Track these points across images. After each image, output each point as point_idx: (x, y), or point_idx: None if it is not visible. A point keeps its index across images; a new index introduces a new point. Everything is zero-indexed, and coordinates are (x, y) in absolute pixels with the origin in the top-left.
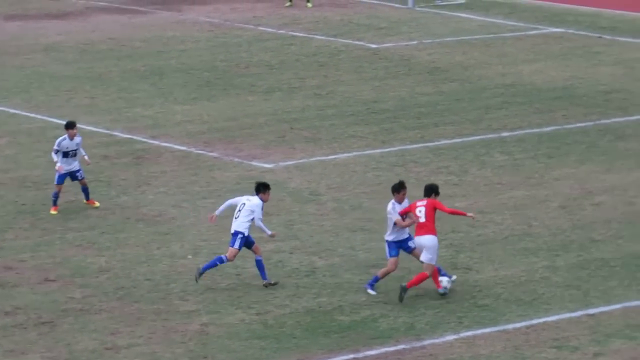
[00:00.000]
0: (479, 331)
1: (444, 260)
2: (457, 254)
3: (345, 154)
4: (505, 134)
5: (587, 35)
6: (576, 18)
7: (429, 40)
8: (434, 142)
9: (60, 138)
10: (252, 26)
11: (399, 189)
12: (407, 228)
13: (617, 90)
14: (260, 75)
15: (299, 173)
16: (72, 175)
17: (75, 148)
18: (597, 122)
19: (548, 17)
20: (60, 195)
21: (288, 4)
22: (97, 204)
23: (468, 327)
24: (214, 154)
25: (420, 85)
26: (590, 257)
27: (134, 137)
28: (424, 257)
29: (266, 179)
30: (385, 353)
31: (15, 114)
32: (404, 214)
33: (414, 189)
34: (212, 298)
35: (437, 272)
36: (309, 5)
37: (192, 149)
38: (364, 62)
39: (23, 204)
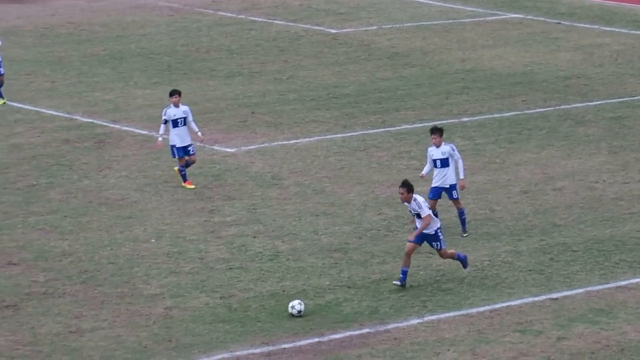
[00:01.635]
0: (443, 315)
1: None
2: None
3: (307, 139)
4: (465, 119)
5: (546, 21)
6: (535, 4)
7: (389, 26)
8: (395, 126)
9: (166, 107)
10: (211, 11)
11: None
12: None
13: (577, 75)
14: (221, 60)
15: (261, 157)
16: (185, 149)
17: (182, 116)
18: (557, 107)
19: (507, 2)
20: (22, 178)
21: None
22: (192, 185)
23: (432, 311)
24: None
25: (381, 71)
26: (553, 242)
27: (95, 121)
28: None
29: (228, 163)
30: (350, 337)
31: None
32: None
33: (376, 173)
34: (175, 282)
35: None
36: None
37: (154, 133)
38: (324, 47)
39: None
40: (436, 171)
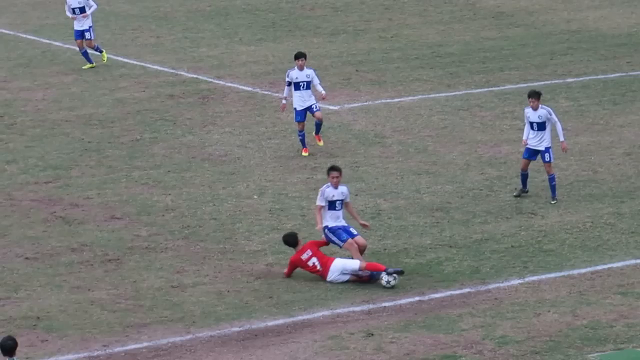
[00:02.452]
0: (544, 276)
1: (510, 205)
2: (522, 199)
3: (410, 97)
4: (570, 79)
5: None
6: None
7: None
8: (499, 86)
9: (290, 69)
10: None
11: None
12: None
13: None
14: (326, 17)
15: (364, 115)
16: (310, 109)
17: (305, 79)
18: None
19: None
20: (127, 133)
21: None
22: (321, 142)
23: (533, 272)
24: (280, 95)
25: (485, 30)
26: None
27: (200, 77)
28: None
29: (331, 120)
30: (451, 296)
31: None
32: None
33: (479, 133)
34: (277, 239)
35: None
36: None
37: (258, 90)
38: (429, 6)
39: (89, 142)
40: (532, 133)
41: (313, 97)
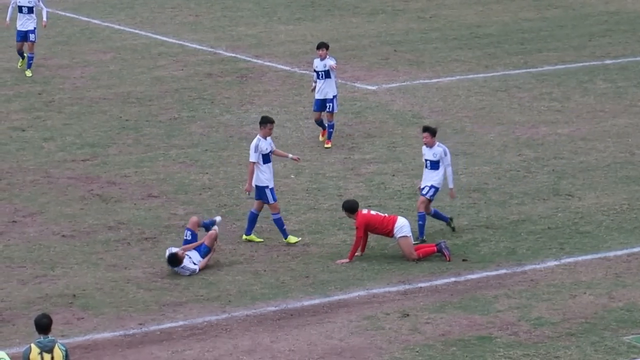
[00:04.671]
0: (580, 258)
1: (547, 186)
2: (559, 180)
3: (449, 78)
4: (608, 61)
5: None
6: None
7: None
8: (537, 67)
9: (316, 58)
10: None
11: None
12: None
13: None
14: None
15: (402, 95)
16: (325, 103)
17: (323, 69)
18: None
19: None
20: (165, 111)
21: None
22: (329, 145)
23: (569, 254)
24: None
25: (524, 11)
26: None
27: (238, 56)
28: None
29: (369, 100)
30: (487, 277)
31: (119, 30)
32: None
33: (517, 114)
34: (314, 218)
35: None
36: None
37: (296, 69)
38: None
39: (127, 120)
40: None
41: (333, 91)
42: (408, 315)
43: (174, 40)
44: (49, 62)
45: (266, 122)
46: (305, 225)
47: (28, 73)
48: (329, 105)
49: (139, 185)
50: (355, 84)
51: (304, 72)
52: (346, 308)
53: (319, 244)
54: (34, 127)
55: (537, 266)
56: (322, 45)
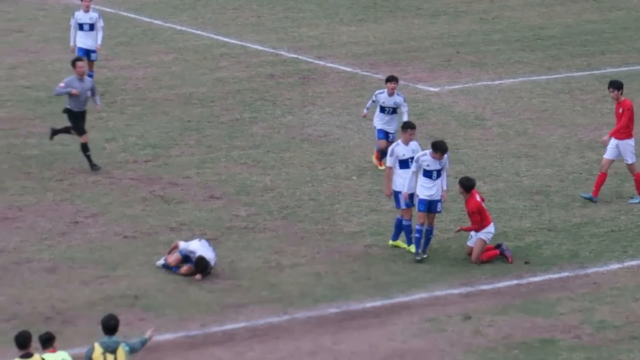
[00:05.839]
0: None
1: (609, 189)
2: (622, 183)
3: (511, 80)
4: None
5: None
6: None
7: None
8: (600, 69)
9: (379, 91)
10: None
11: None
12: None
13: None
14: None
15: (464, 97)
16: (387, 134)
17: (392, 106)
18: None
19: None
20: (227, 112)
21: None
22: (382, 167)
23: (632, 257)
24: (380, 76)
25: (587, 13)
26: None
27: (300, 57)
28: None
29: (431, 102)
30: (549, 280)
31: (182, 30)
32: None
33: (579, 116)
34: (376, 220)
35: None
36: None
37: (358, 71)
38: None
39: (189, 121)
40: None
41: (395, 125)
42: (470, 317)
43: (236, 41)
44: (111, 63)
45: (407, 127)
46: (367, 226)
47: None
48: (391, 136)
49: (200, 186)
50: (418, 86)
51: (366, 73)
52: (408, 310)
53: (380, 245)
54: (96, 127)
55: (600, 269)
56: (393, 79)
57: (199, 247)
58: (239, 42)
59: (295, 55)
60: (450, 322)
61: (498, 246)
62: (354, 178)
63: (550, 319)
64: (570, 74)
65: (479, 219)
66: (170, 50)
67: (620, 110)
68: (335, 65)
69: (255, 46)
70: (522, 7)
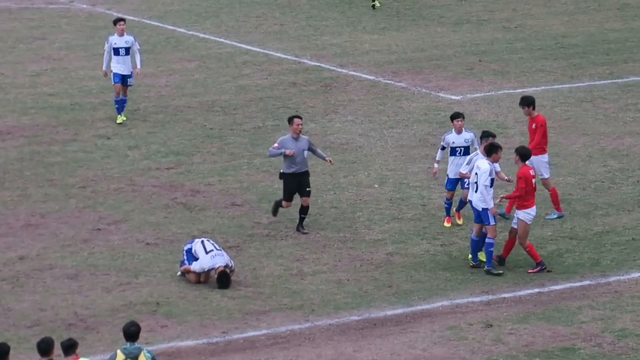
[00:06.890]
0: None
1: (632, 197)
2: None
3: (534, 88)
4: None
5: None
6: None
7: None
8: (622, 78)
9: (446, 132)
10: None
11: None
12: None
13: None
14: (449, 7)
15: (487, 106)
16: (462, 181)
17: (464, 144)
18: None
19: None
20: (249, 120)
21: None
22: (461, 221)
23: None
24: (402, 84)
25: (610, 21)
26: None
27: (322, 65)
28: None
29: (453, 110)
30: (570, 288)
31: (204, 38)
32: None
33: (602, 125)
34: (397, 228)
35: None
36: None
37: (380, 79)
38: None
39: (211, 128)
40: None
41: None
42: (491, 325)
43: (258, 49)
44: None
45: (487, 135)
46: (388, 234)
47: (119, 119)
48: (463, 183)
49: (222, 193)
50: (440, 94)
51: (388, 81)
52: (429, 318)
53: (402, 253)
54: (119, 135)
55: (622, 277)
56: (460, 115)
57: (208, 260)
58: (261, 50)
59: (317, 63)
60: (471, 330)
61: (542, 262)
62: (376, 186)
63: (571, 327)
64: (592, 83)
65: (523, 186)
66: (193, 57)
67: (534, 126)
68: (358, 74)
69: (278, 54)
70: (545, 15)
